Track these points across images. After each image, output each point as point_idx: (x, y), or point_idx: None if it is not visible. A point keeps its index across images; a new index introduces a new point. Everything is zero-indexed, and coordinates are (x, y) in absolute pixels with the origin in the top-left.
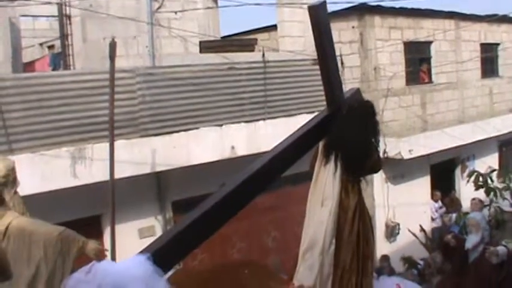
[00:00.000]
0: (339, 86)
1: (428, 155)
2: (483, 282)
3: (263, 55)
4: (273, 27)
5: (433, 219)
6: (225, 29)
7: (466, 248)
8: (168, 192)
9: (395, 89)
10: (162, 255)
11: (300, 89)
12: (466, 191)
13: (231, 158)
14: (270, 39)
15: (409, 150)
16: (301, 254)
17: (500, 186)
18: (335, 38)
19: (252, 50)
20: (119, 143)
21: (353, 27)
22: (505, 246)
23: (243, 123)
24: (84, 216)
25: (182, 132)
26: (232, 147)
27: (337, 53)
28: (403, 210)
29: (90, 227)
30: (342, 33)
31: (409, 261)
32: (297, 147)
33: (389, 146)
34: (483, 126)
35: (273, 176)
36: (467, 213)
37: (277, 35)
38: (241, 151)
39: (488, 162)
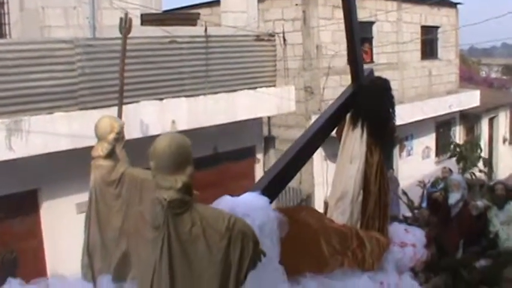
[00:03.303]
0: (362, 66)
1: None
2: (464, 230)
3: (205, 30)
4: (216, 3)
5: None
6: (168, 2)
7: (449, 204)
8: None
9: (337, 67)
10: (268, 190)
11: (242, 65)
12: (404, 170)
13: (171, 132)
14: (213, 14)
15: None
16: (334, 203)
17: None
18: (278, 15)
19: (194, 25)
20: (57, 116)
21: (296, 4)
22: (481, 201)
23: (183, 98)
24: (20, 190)
25: (122, 106)
26: (173, 122)
27: (280, 30)
28: None
29: (26, 201)
30: (285, 10)
31: (394, 219)
32: (336, 117)
33: None
34: (421, 107)
35: (327, 133)
36: (444, 177)
37: (219, 10)
38: (182, 125)
39: (426, 142)
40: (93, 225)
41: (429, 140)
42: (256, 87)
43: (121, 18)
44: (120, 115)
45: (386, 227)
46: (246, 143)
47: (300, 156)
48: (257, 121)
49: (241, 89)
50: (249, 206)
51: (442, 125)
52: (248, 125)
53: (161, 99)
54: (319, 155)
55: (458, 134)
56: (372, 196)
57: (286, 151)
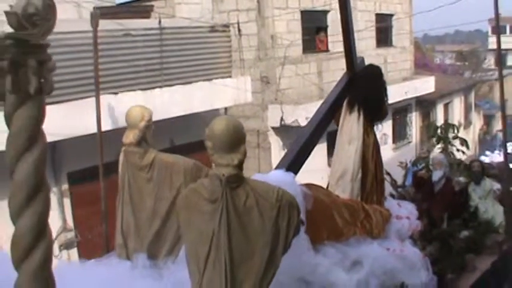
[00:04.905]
0: (356, 55)
1: None
2: (447, 204)
3: (159, 22)
4: None
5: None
6: None
7: (433, 181)
8: (63, 163)
9: (292, 57)
10: (290, 168)
11: (197, 56)
12: None
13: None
14: (167, 6)
15: (306, 118)
16: (335, 181)
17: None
18: (232, 5)
19: (148, 17)
20: None
21: None
22: (462, 178)
23: (139, 91)
24: None
25: (77, 101)
26: None
27: (235, 21)
28: (300, 177)
29: None
30: (240, 1)
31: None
32: (337, 102)
33: (286, 114)
34: None
35: (331, 117)
36: (424, 157)
37: (173, 2)
38: None
39: (383, 129)
40: (126, 208)
41: (386, 127)
42: (212, 79)
43: (91, 13)
44: (98, 107)
45: (383, 201)
46: (203, 135)
47: (313, 138)
48: (214, 113)
49: (196, 81)
50: (279, 181)
51: (398, 112)
52: (205, 116)
53: (116, 93)
54: (276, 144)
55: (415, 120)
56: (370, 173)
57: (299, 135)
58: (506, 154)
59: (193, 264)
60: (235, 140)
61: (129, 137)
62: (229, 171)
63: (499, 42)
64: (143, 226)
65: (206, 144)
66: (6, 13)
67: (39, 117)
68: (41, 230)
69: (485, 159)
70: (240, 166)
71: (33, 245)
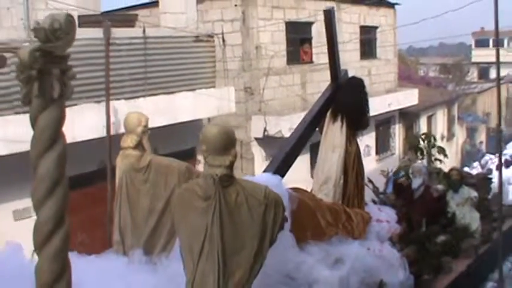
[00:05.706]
0: (339, 67)
1: None
2: (426, 210)
3: (144, 31)
4: (154, 4)
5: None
6: (106, 4)
7: (413, 188)
8: None
9: (276, 68)
10: (277, 172)
11: (181, 66)
12: None
13: (111, 135)
14: (151, 15)
15: (290, 129)
16: (318, 187)
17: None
18: (217, 16)
19: (133, 26)
20: None
21: (235, 5)
22: (440, 186)
23: (123, 100)
24: None
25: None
26: (113, 124)
27: (219, 31)
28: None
29: None
30: (224, 11)
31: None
32: (322, 111)
33: (270, 125)
34: None
35: (316, 125)
36: (406, 166)
37: (158, 12)
38: (121, 128)
39: (366, 141)
40: (124, 207)
41: (369, 139)
42: (195, 89)
43: (104, 25)
44: (108, 113)
45: (363, 205)
46: (186, 144)
47: (297, 146)
48: (197, 123)
49: (180, 91)
50: (267, 183)
51: (381, 124)
52: (188, 126)
53: (100, 101)
54: (259, 155)
55: (398, 132)
56: (351, 180)
57: (284, 143)
58: (500, 161)
59: (188, 256)
60: (227, 143)
61: (127, 141)
62: (221, 171)
63: (497, 54)
64: (139, 224)
65: (201, 147)
66: (35, 28)
67: (61, 119)
68: (60, 219)
69: (471, 170)
70: (231, 167)
71: (53, 231)
